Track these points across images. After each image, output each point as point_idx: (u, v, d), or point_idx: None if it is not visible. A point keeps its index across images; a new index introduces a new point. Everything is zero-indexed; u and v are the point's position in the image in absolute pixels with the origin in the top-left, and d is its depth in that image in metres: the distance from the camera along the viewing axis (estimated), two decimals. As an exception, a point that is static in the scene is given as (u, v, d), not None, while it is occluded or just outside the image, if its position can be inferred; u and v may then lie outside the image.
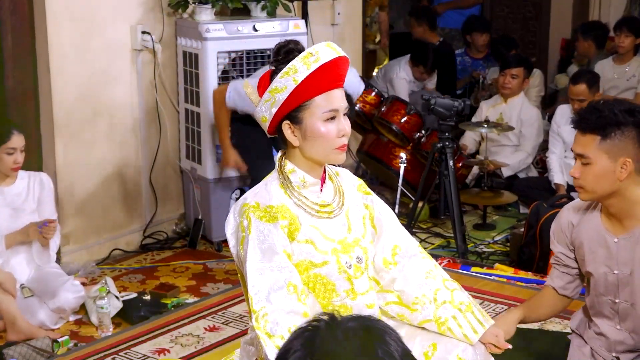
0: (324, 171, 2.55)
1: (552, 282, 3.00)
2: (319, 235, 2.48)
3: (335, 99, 2.44)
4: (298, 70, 2.38)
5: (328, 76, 2.40)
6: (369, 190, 2.71)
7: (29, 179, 4.30)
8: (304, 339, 1.28)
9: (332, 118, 2.43)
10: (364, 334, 1.28)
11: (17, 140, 4.15)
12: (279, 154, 2.56)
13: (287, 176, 2.49)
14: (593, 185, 2.69)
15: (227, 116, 4.73)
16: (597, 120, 2.65)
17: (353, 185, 2.67)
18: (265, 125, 2.49)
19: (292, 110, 2.43)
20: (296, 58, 2.39)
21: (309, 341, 1.28)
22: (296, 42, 2.46)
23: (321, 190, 2.53)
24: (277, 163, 2.53)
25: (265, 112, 2.46)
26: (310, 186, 2.50)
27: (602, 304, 2.86)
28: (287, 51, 2.43)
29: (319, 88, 2.40)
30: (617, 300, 2.82)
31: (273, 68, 2.47)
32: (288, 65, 2.39)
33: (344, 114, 2.47)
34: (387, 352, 1.26)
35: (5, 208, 4.22)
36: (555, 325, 3.87)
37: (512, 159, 5.97)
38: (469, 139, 6.24)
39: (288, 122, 2.44)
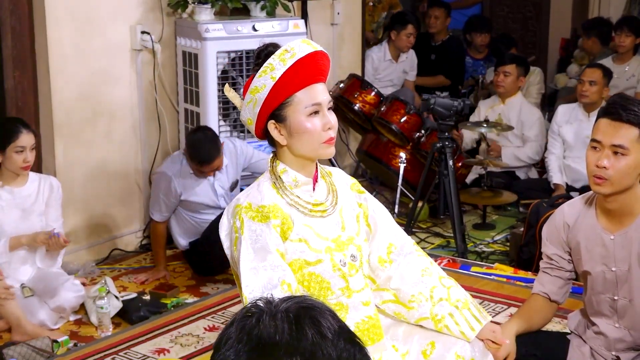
0: (316, 170, 2.56)
1: (542, 289, 2.98)
2: (312, 234, 2.48)
3: (317, 92, 2.44)
4: (275, 67, 2.39)
5: (306, 71, 2.41)
6: (362, 189, 2.71)
7: (40, 182, 4.31)
8: (237, 325, 1.30)
9: (316, 112, 2.44)
10: (295, 317, 1.28)
11: (26, 139, 4.14)
12: (270, 155, 2.56)
13: (279, 176, 2.49)
14: (621, 177, 2.67)
15: (161, 235, 4.79)
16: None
17: (346, 184, 2.67)
18: (251, 128, 2.50)
19: (275, 109, 2.43)
20: (272, 56, 2.41)
21: (242, 327, 1.29)
22: (275, 45, 2.47)
23: (314, 189, 2.53)
24: (268, 164, 2.54)
25: (249, 114, 2.47)
26: (302, 185, 2.51)
27: (601, 303, 2.86)
28: (267, 54, 2.44)
29: (298, 83, 2.41)
30: (615, 298, 2.82)
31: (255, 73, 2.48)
32: (265, 64, 2.41)
33: (329, 108, 2.47)
34: (319, 332, 1.26)
35: (15, 209, 4.23)
36: (554, 325, 3.87)
37: (518, 152, 5.96)
38: (467, 135, 6.21)
39: (273, 121, 2.45)
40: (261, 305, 1.32)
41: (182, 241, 4.80)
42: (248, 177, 4.96)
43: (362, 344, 1.31)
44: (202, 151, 4.57)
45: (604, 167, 2.67)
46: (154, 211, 4.76)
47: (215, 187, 4.75)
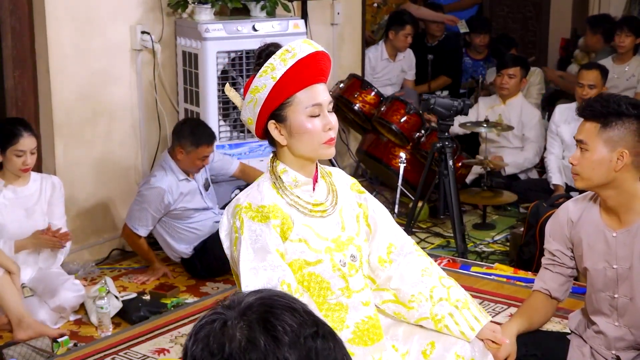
0: (316, 170, 2.56)
1: (544, 285, 2.99)
2: (312, 234, 2.48)
3: (318, 93, 2.44)
4: (276, 67, 2.39)
5: (307, 71, 2.40)
6: (362, 189, 2.71)
7: (41, 181, 4.32)
8: (196, 336, 1.29)
9: (317, 113, 2.44)
10: (248, 324, 1.27)
11: (26, 143, 4.13)
12: (270, 155, 2.56)
13: (279, 176, 2.49)
14: (589, 173, 2.72)
15: (144, 244, 4.78)
16: (600, 108, 2.70)
17: (346, 184, 2.67)
18: (252, 128, 2.50)
19: (275, 109, 2.43)
20: (273, 56, 2.40)
21: (205, 335, 1.28)
22: (276, 45, 2.46)
23: (314, 189, 2.53)
24: (268, 164, 2.54)
25: (249, 113, 2.47)
26: (302, 185, 2.51)
27: (601, 301, 2.87)
28: (268, 54, 2.44)
29: (299, 84, 2.41)
30: (615, 296, 2.83)
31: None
32: (266, 64, 2.40)
33: (329, 110, 2.47)
34: (272, 337, 1.25)
35: (19, 208, 4.24)
36: (554, 325, 3.87)
37: (517, 157, 5.97)
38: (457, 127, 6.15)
39: (273, 121, 2.45)
40: (221, 309, 1.30)
41: (185, 250, 4.77)
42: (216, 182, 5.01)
43: (326, 332, 1.28)
44: (205, 131, 4.63)
45: (573, 164, 2.77)
46: (139, 226, 4.68)
47: (200, 188, 4.76)
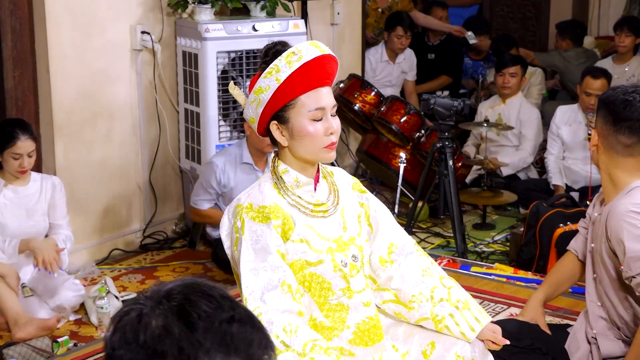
0: (318, 170, 2.56)
1: (575, 246, 3.16)
2: (313, 234, 2.48)
3: (322, 96, 2.43)
4: (281, 69, 2.38)
5: (312, 74, 2.40)
6: (364, 188, 2.71)
7: (42, 182, 4.32)
8: (115, 324, 1.31)
9: (319, 116, 2.43)
10: (163, 312, 1.29)
11: (24, 146, 4.12)
12: (272, 154, 2.56)
13: (280, 176, 2.49)
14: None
15: (209, 211, 4.72)
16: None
17: (348, 184, 2.67)
18: (254, 126, 2.50)
19: (278, 110, 2.43)
20: (279, 57, 2.39)
21: (123, 325, 1.30)
22: (284, 44, 2.45)
23: (315, 189, 2.53)
24: (269, 163, 2.54)
25: (252, 113, 2.47)
26: (303, 185, 2.51)
27: (587, 278, 3.00)
28: (274, 52, 2.43)
29: (303, 86, 2.40)
30: (595, 275, 2.95)
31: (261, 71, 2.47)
32: (271, 65, 2.39)
33: (332, 114, 2.46)
34: (187, 323, 1.27)
35: (20, 208, 4.24)
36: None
37: (512, 157, 5.98)
38: (470, 146, 6.24)
39: (275, 122, 2.45)
40: (142, 300, 1.33)
41: (217, 236, 4.75)
42: None
43: (242, 317, 1.30)
44: None
45: None
46: (198, 200, 4.68)
47: None
